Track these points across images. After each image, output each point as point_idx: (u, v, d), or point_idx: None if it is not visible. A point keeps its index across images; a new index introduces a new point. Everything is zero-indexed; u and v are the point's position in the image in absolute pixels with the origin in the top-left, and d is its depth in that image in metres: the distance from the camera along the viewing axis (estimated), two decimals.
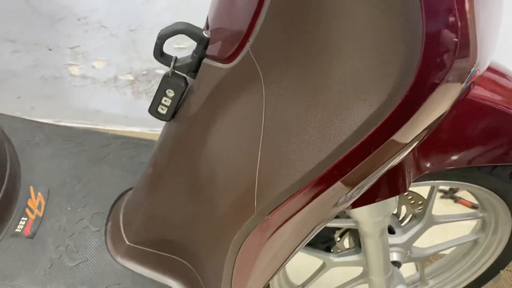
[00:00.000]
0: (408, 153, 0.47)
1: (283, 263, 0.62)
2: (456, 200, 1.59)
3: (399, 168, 0.67)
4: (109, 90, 1.42)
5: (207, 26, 0.67)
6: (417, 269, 1.37)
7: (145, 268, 0.86)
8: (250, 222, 0.49)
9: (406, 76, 0.36)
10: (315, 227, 0.53)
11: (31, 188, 0.92)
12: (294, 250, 0.58)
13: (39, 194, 0.91)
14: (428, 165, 0.71)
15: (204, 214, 0.65)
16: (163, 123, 1.36)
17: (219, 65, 0.57)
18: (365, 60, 0.38)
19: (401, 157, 0.49)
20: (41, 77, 1.37)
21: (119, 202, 0.95)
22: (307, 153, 0.43)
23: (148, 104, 1.51)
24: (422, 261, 1.05)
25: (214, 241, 0.65)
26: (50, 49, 1.31)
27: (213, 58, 0.59)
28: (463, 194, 1.56)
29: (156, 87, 1.44)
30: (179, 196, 0.73)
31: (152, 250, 0.85)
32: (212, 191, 0.61)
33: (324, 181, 0.44)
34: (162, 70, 1.39)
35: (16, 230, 0.85)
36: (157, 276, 0.86)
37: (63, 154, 1.00)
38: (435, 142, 0.68)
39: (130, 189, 0.99)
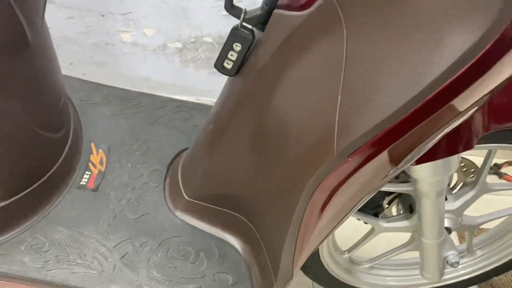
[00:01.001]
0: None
1: (344, 216, 0.63)
2: (501, 176, 1.56)
3: (465, 124, 0.66)
4: (158, 58, 1.44)
5: None
6: (460, 242, 1.37)
7: (203, 223, 0.89)
8: (328, 164, 0.50)
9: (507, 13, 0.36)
10: (386, 175, 0.54)
11: (92, 144, 0.95)
12: (359, 201, 0.58)
13: (100, 150, 0.95)
14: (494, 122, 0.70)
15: (271, 166, 0.67)
16: (209, 92, 1.39)
17: (293, 13, 0.57)
18: None
19: (478, 106, 0.48)
20: (93, 43, 1.40)
21: (176, 161, 0.98)
22: (394, 93, 0.43)
23: (195, 72, 1.54)
24: (472, 230, 1.04)
25: (281, 194, 0.66)
26: (102, 15, 1.33)
27: (286, 7, 0.59)
28: (507, 170, 1.53)
29: (203, 55, 1.46)
30: (243, 151, 0.74)
31: (210, 206, 0.87)
32: (282, 140, 0.62)
33: (407, 124, 0.44)
34: (210, 38, 1.40)
35: (81, 183, 0.88)
36: (215, 231, 0.88)
37: (121, 114, 1.03)
38: (505, 97, 0.67)
39: (186, 149, 1.01)
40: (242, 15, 0.65)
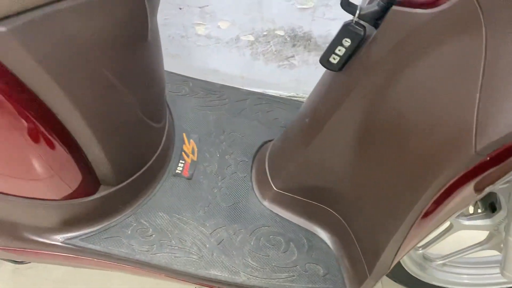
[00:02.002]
0: None
1: (457, 212, 0.63)
2: None
3: None
4: (230, 51, 1.47)
5: None
6: None
7: (291, 213, 0.91)
8: (464, 162, 0.51)
9: None
10: None
11: (184, 134, 0.99)
12: (477, 197, 0.58)
13: (191, 140, 0.98)
14: None
15: (381, 161, 0.68)
16: (276, 85, 1.40)
17: (417, 11, 0.58)
18: None
19: None
20: (168, 35, 1.44)
21: (260, 152, 1.00)
22: None
23: (264, 65, 1.55)
24: None
25: (392, 187, 0.67)
26: (180, 8, 1.37)
27: (408, 4, 0.59)
28: None
29: (274, 48, 1.47)
30: (343, 145, 0.75)
31: (299, 198, 0.89)
32: (401, 136, 0.63)
33: None
34: (282, 31, 1.41)
35: (177, 171, 0.92)
36: (303, 222, 0.90)
37: (207, 106, 1.07)
38: None
39: (268, 141, 1.04)
40: (357, 12, 0.66)
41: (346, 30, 0.69)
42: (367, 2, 0.71)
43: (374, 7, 0.65)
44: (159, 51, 0.79)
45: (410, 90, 0.60)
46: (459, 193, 0.55)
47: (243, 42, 1.45)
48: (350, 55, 0.71)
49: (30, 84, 0.59)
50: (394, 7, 0.62)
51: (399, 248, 0.68)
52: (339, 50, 0.71)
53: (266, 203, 0.92)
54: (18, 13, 0.51)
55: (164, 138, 0.89)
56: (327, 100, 0.78)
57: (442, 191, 0.55)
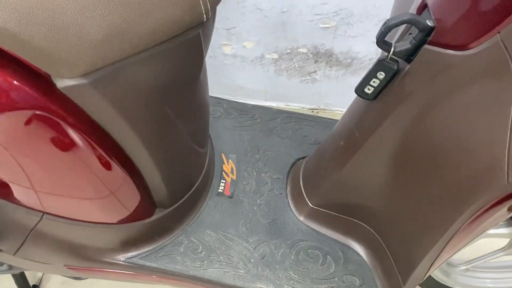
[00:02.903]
0: None
1: (485, 231, 0.70)
2: None
3: None
4: (255, 68, 1.54)
5: (420, 10, 0.73)
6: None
7: (327, 229, 0.98)
8: (498, 190, 0.57)
9: None
10: None
11: (223, 155, 1.06)
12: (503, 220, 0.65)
13: (230, 160, 1.05)
14: None
15: (416, 184, 0.74)
16: (299, 98, 1.47)
17: (449, 51, 0.64)
18: None
19: None
20: None
21: (294, 169, 1.07)
22: None
23: (287, 80, 1.62)
24: None
25: (426, 211, 0.73)
26: None
27: (440, 45, 0.66)
28: None
29: (297, 65, 1.54)
30: (379, 167, 0.82)
31: (334, 213, 0.96)
32: (434, 163, 0.69)
33: None
34: (305, 49, 1.48)
35: (219, 190, 0.99)
36: (338, 236, 0.97)
37: (241, 126, 1.14)
38: None
39: (300, 158, 1.11)
40: (392, 49, 0.72)
41: (380, 64, 0.75)
42: (398, 35, 0.78)
43: (407, 45, 0.72)
44: (206, 82, 0.86)
45: (443, 123, 0.67)
46: (493, 214, 0.62)
47: (267, 59, 1.52)
48: (384, 87, 0.78)
49: (104, 124, 0.66)
50: (426, 46, 0.68)
51: (433, 262, 0.75)
52: (374, 81, 0.78)
53: (302, 219, 0.99)
54: (98, 68, 0.58)
55: (207, 160, 0.97)
56: (361, 126, 0.84)
57: (477, 214, 0.61)
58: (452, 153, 0.65)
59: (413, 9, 0.78)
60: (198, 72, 0.74)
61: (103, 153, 0.68)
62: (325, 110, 1.68)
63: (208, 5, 0.62)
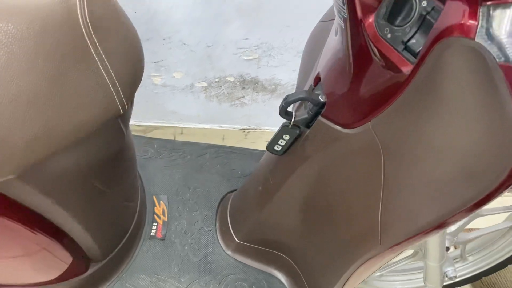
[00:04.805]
0: None
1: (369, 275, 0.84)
2: None
3: None
4: (186, 95, 1.61)
5: (316, 82, 0.84)
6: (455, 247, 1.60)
7: (253, 260, 1.09)
8: (373, 249, 0.70)
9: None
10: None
11: (154, 197, 1.14)
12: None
13: (161, 202, 1.13)
14: None
15: (320, 230, 0.87)
16: (230, 119, 1.57)
17: (336, 127, 0.75)
18: (476, 148, 0.55)
19: None
20: None
21: (222, 204, 1.17)
22: (427, 209, 0.62)
23: (218, 105, 1.71)
24: (465, 243, 1.28)
25: (326, 252, 0.86)
26: None
27: (330, 119, 0.77)
28: None
29: (226, 91, 1.62)
30: (292, 211, 0.93)
31: (258, 247, 1.07)
32: (330, 216, 0.82)
33: (443, 225, 0.63)
34: (232, 77, 1.57)
35: (151, 234, 1.07)
36: (262, 266, 1.09)
37: (172, 165, 1.22)
38: None
39: (228, 192, 1.21)
40: (293, 119, 0.83)
41: (285, 129, 0.86)
42: (295, 107, 0.89)
43: (305, 114, 0.83)
44: (131, 141, 0.93)
45: (334, 186, 0.79)
46: (376, 265, 0.75)
47: (197, 87, 1.59)
48: (290, 145, 0.89)
49: (28, 205, 0.72)
50: (320, 118, 0.79)
51: None
52: (281, 141, 0.89)
53: (230, 253, 1.10)
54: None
55: (138, 207, 1.04)
56: (274, 175, 0.95)
57: (364, 264, 0.74)
58: (342, 212, 0.78)
59: (311, 78, 0.89)
60: (120, 143, 0.82)
61: (26, 228, 0.74)
62: (255, 129, 1.78)
63: (124, 100, 0.70)
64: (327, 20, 0.98)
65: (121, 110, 0.69)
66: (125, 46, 0.69)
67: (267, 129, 1.79)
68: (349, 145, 0.74)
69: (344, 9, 0.64)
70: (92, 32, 0.61)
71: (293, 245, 1.00)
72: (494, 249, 1.37)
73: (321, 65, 0.84)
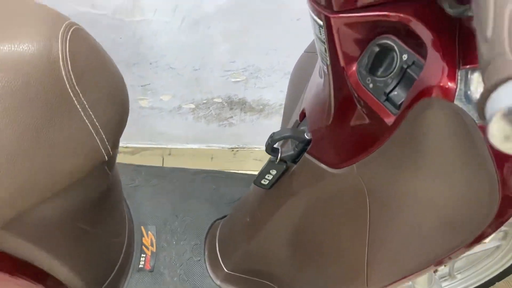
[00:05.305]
0: None
1: None
2: None
3: None
4: (173, 117, 1.61)
5: (301, 117, 0.85)
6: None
7: None
8: None
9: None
10: None
11: (142, 227, 1.13)
12: None
13: (150, 232, 1.13)
14: None
15: (308, 264, 0.87)
16: (218, 139, 1.58)
17: (322, 165, 0.76)
18: (456, 199, 0.56)
19: None
20: None
21: (211, 232, 1.17)
22: (412, 253, 0.62)
23: (206, 126, 1.71)
24: (453, 263, 1.29)
25: (312, 284, 0.86)
26: None
27: (315, 157, 0.77)
28: None
29: (213, 112, 1.62)
30: (279, 243, 0.93)
31: (247, 276, 1.07)
32: (316, 253, 0.82)
33: (429, 269, 0.64)
34: (220, 99, 1.57)
35: (140, 266, 1.07)
36: None
37: (160, 193, 1.21)
38: None
39: (217, 219, 1.20)
40: (279, 155, 0.83)
41: (272, 164, 0.86)
42: (282, 142, 0.89)
43: (291, 151, 0.83)
44: (117, 178, 0.93)
45: (322, 223, 0.79)
46: None
47: (185, 109, 1.59)
48: (277, 179, 0.89)
49: (11, 251, 0.72)
50: (306, 155, 0.80)
51: None
52: (268, 176, 0.89)
53: (219, 282, 1.09)
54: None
55: (126, 239, 1.04)
56: (262, 208, 0.95)
57: None
58: (329, 249, 0.78)
59: (297, 111, 0.89)
60: (107, 186, 0.81)
61: (9, 275, 0.73)
62: (244, 148, 1.78)
63: (109, 146, 0.69)
64: (312, 52, 0.98)
65: (105, 156, 0.69)
66: (109, 93, 0.69)
67: (256, 147, 1.79)
68: (335, 185, 0.74)
69: (327, 56, 0.64)
70: (75, 84, 0.61)
71: (282, 276, 1.00)
72: (482, 267, 1.38)
73: (307, 100, 0.85)
